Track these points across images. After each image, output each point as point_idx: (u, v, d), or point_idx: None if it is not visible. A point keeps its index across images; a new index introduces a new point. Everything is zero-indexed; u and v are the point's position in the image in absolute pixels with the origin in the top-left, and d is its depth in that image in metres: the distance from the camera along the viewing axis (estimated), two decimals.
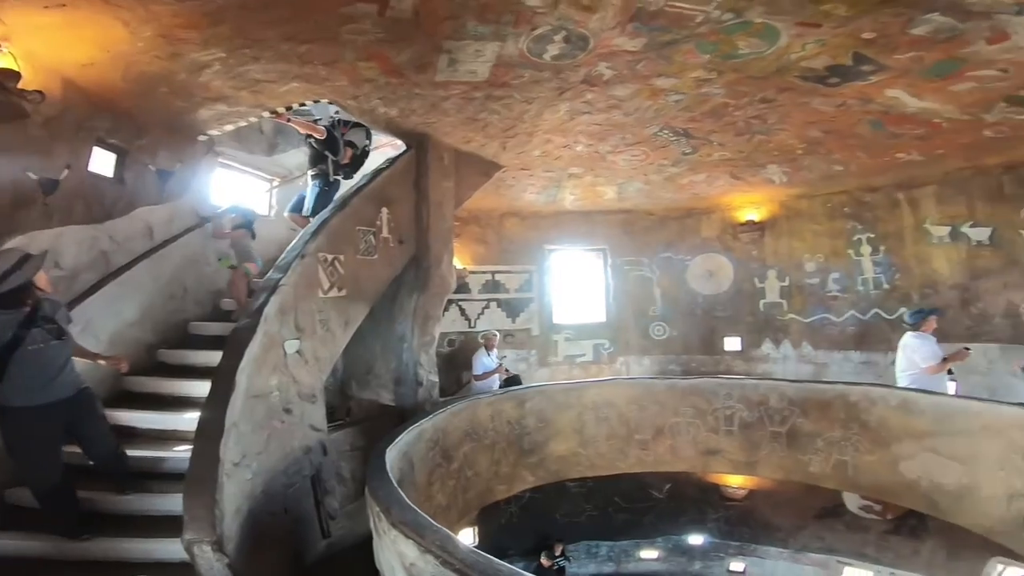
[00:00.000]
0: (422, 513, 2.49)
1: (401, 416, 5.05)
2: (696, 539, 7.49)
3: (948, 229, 6.56)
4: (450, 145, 5.69)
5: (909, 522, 6.06)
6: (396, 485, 2.87)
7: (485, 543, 6.78)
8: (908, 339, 5.32)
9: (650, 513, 7.52)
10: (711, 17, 3.38)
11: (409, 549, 2.24)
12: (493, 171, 6.36)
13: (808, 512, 6.82)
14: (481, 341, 6.98)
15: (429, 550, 2.15)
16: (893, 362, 5.61)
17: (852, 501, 6.49)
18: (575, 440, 5.87)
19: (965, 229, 6.40)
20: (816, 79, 4.16)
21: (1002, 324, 6.04)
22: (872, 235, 7.33)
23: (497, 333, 7.33)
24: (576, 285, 9.08)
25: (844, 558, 6.54)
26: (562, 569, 7.01)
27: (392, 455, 3.45)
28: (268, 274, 4.09)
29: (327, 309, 4.30)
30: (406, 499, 2.65)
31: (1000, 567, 4.89)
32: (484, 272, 8.39)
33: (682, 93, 4.60)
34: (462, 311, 8.22)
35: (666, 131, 5.53)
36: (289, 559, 3.33)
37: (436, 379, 5.78)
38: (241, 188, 6.53)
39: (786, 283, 8.21)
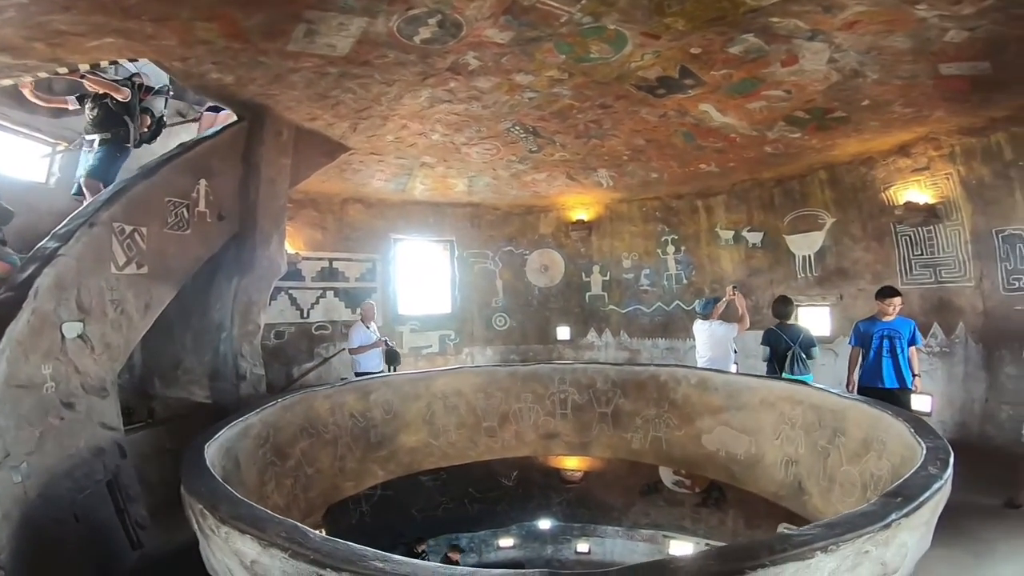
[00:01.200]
0: (258, 506, 2.20)
1: (220, 414, 4.41)
2: (545, 524, 7.78)
3: (732, 233, 7.91)
4: (291, 120, 5.25)
5: (713, 494, 6.93)
6: (221, 480, 2.50)
7: None
8: (713, 327, 6.00)
9: (502, 501, 7.61)
10: (574, 19, 3.59)
11: (249, 546, 1.95)
12: (339, 153, 6.00)
13: (634, 490, 7.49)
14: (357, 312, 6.61)
15: (274, 543, 1.89)
16: (693, 347, 6.38)
17: (667, 476, 7.31)
18: (426, 431, 5.72)
19: (745, 233, 7.76)
20: (648, 89, 4.68)
21: (769, 314, 7.27)
22: (676, 237, 8.58)
23: (374, 303, 6.95)
24: (422, 276, 8.93)
25: (668, 532, 7.31)
26: None
27: (212, 451, 2.98)
28: (43, 242, 3.34)
29: (122, 288, 3.72)
30: (236, 493, 2.33)
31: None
32: (320, 259, 7.79)
33: (536, 91, 4.81)
34: (293, 300, 7.50)
35: (517, 127, 5.74)
36: (91, 570, 2.98)
37: (262, 372, 5.25)
38: (13, 152, 5.23)
39: (607, 278, 9.26)
